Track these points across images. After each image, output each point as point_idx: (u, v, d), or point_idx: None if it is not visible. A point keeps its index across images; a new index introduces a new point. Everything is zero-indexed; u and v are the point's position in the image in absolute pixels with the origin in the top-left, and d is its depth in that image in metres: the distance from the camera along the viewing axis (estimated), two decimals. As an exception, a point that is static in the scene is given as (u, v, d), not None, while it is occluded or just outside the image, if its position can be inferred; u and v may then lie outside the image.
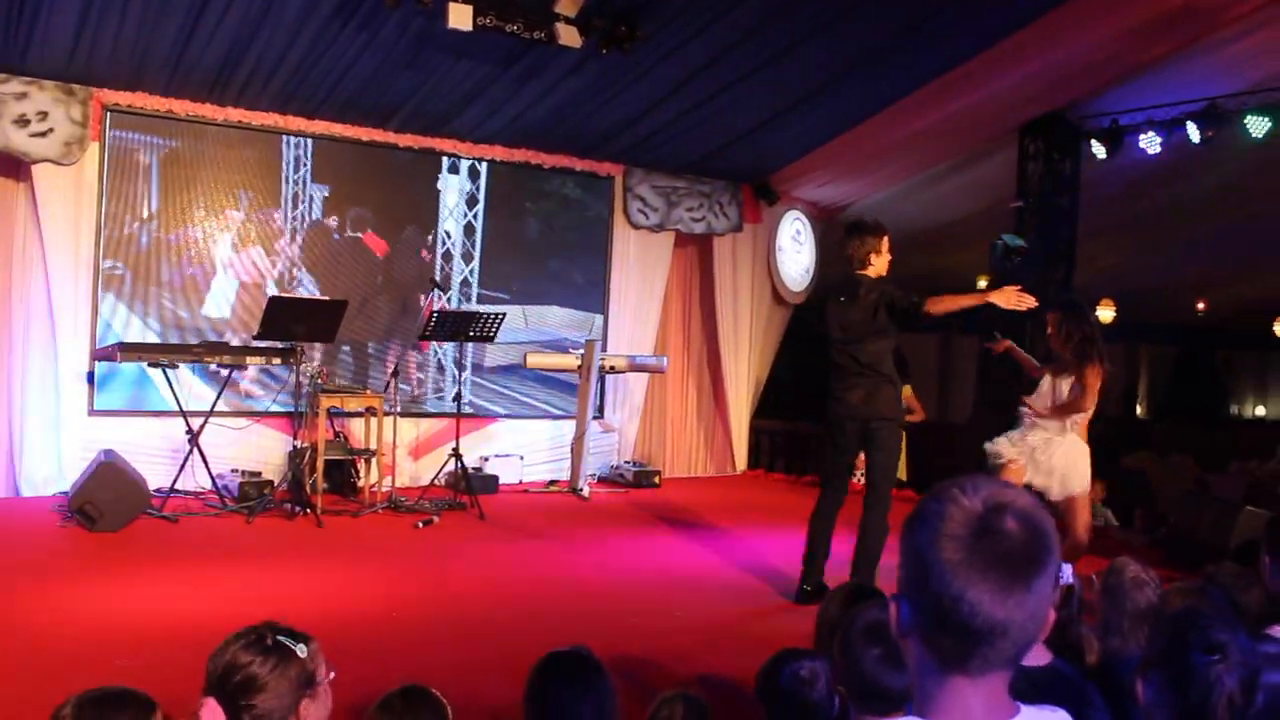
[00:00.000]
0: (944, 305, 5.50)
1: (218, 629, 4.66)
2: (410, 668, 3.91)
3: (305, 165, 8.87)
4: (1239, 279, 14.15)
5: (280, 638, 2.28)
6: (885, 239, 5.74)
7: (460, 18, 6.93)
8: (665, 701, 2.98)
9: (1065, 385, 5.73)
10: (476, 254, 9.65)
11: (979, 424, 13.05)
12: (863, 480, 7.35)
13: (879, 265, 5.72)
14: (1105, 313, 14.53)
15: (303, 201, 8.87)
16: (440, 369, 9.53)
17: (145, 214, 8.26)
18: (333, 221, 9.02)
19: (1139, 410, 18.13)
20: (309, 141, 8.81)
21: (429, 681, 2.69)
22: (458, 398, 8.44)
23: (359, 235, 9.09)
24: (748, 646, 4.93)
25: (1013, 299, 5.50)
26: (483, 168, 9.57)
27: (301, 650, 2.28)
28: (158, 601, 5.27)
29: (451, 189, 9.49)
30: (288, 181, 8.81)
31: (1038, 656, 2.57)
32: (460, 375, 9.41)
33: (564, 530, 7.67)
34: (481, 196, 9.63)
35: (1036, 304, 5.71)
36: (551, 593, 5.91)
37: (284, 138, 8.70)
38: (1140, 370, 18.38)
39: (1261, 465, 11.81)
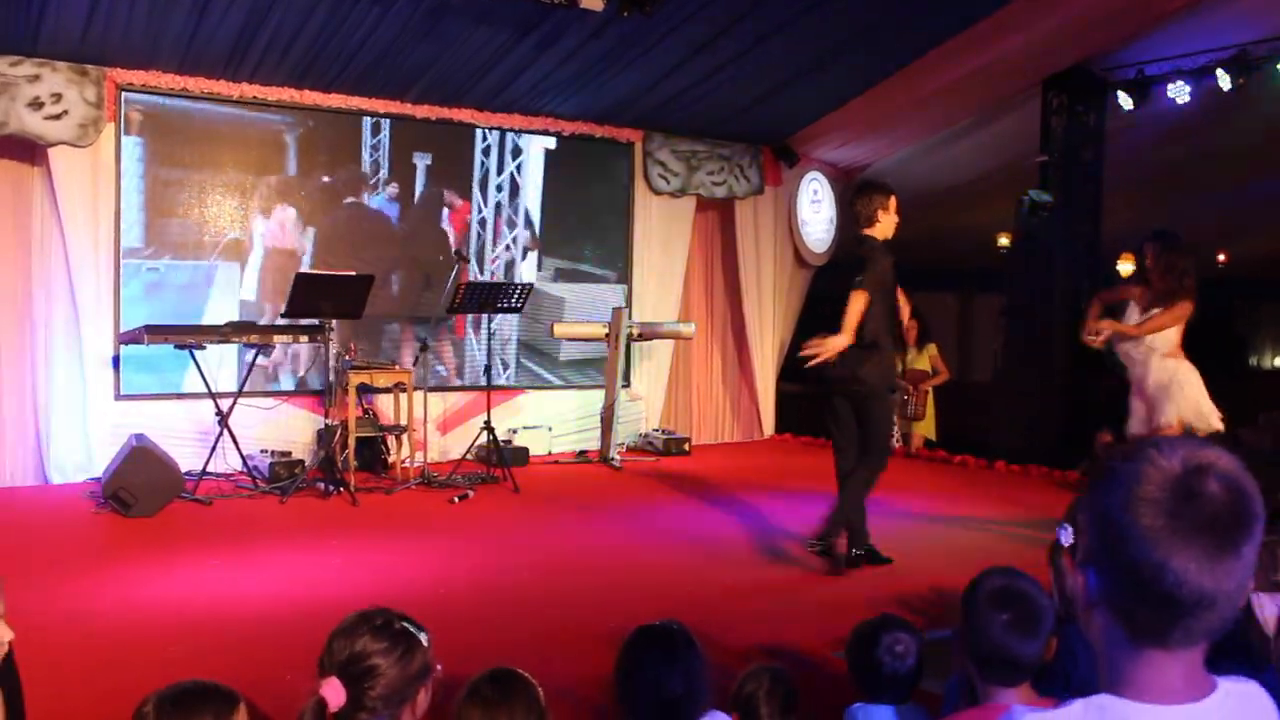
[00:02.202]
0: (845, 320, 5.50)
1: (268, 612, 4.69)
2: (470, 647, 3.85)
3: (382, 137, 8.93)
4: (1262, 230, 14.02)
5: (407, 625, 2.24)
6: (893, 199, 5.71)
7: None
8: (751, 675, 2.94)
9: (1156, 313, 5.89)
10: (526, 222, 9.63)
11: (1000, 384, 13.00)
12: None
13: (886, 224, 5.68)
14: (1125, 266, 14.41)
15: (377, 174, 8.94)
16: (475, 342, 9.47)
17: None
18: (392, 189, 9.07)
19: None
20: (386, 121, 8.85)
21: (491, 661, 2.64)
22: (488, 370, 8.35)
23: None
24: (806, 612, 4.90)
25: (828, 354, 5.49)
26: (509, 139, 9.50)
27: (424, 640, 2.25)
28: (203, 586, 5.21)
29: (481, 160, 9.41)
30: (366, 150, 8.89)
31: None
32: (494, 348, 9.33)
33: (602, 501, 7.62)
34: (510, 167, 9.55)
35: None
36: (599, 564, 5.84)
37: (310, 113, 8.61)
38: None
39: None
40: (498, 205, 9.53)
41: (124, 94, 7.93)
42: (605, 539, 6.46)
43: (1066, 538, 2.69)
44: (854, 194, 5.87)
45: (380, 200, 9.05)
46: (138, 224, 8.13)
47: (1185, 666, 1.26)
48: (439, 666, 2.33)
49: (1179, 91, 9.04)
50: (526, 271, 9.69)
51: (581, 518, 7.03)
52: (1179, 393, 5.89)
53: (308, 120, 8.69)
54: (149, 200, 8.16)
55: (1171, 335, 5.93)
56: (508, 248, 9.59)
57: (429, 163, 9.23)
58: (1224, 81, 8.67)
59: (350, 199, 8.88)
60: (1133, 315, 6.07)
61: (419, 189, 9.22)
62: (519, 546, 6.26)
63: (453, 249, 9.01)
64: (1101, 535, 1.27)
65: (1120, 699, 1.26)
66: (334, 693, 2.14)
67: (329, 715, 2.14)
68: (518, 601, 5.05)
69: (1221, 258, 15.49)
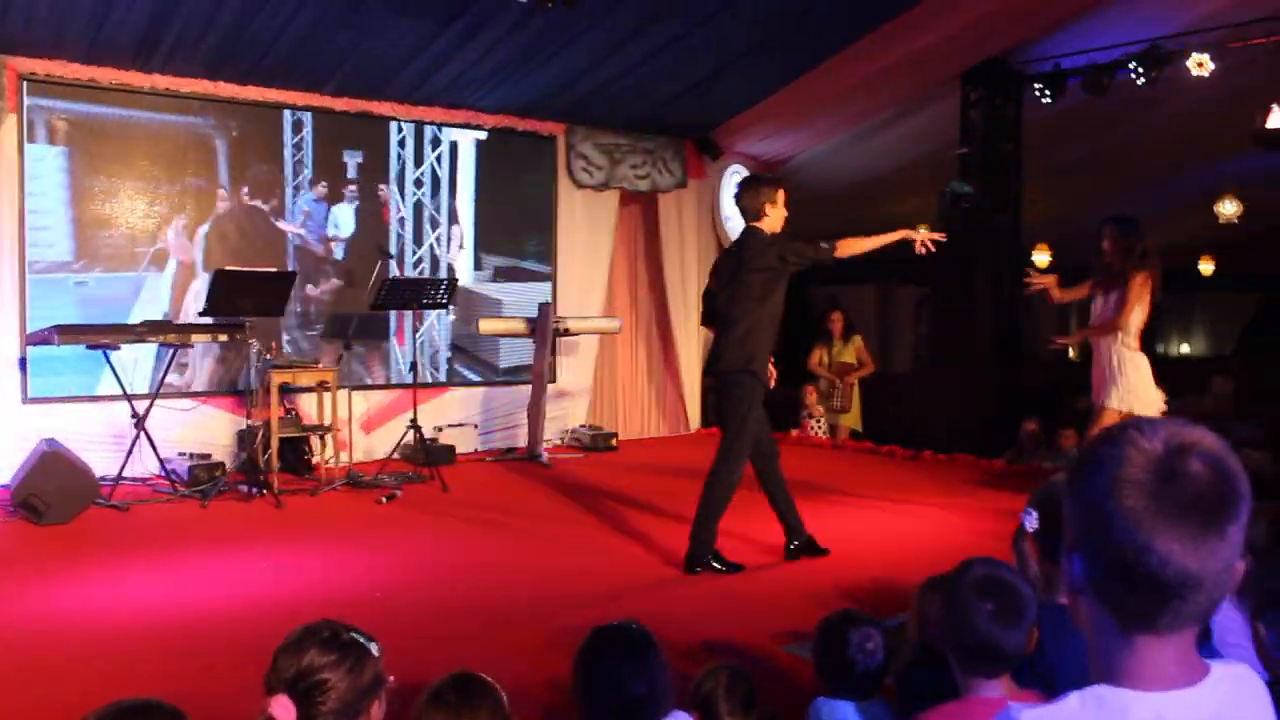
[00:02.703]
0: (854, 247, 5.57)
1: (197, 621, 4.52)
2: (410, 651, 3.74)
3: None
4: (1166, 221, 14.39)
5: (355, 636, 2.15)
6: (780, 192, 5.68)
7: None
8: (708, 674, 2.90)
9: (1115, 297, 6.07)
10: (452, 218, 9.50)
11: (923, 374, 13.18)
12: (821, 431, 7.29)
13: (774, 218, 5.64)
14: (1041, 256, 14.71)
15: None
16: (397, 339, 9.28)
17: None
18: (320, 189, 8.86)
19: (1072, 354, 18.46)
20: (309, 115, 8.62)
21: (434, 666, 2.56)
22: (414, 367, 8.20)
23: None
24: (744, 608, 4.88)
25: (922, 237, 5.67)
26: (428, 131, 9.33)
27: (375, 650, 2.16)
28: (126, 595, 5.01)
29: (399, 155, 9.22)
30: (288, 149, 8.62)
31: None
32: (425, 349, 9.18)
33: (533, 499, 7.52)
34: (430, 159, 9.38)
35: (944, 239, 5.84)
36: (534, 563, 5.75)
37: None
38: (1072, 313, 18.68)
39: (1200, 401, 12.07)
40: (418, 202, 9.35)
41: (42, 101, 7.61)
42: (539, 538, 6.36)
43: (1031, 523, 2.69)
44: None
45: (308, 200, 8.83)
46: (67, 236, 7.86)
47: (1177, 651, 1.25)
48: (391, 677, 2.25)
49: (1093, 84, 9.19)
50: (462, 271, 9.55)
51: (513, 517, 6.92)
52: (1125, 381, 6.05)
53: (230, 122, 8.44)
54: (76, 212, 7.88)
55: (1135, 321, 6.05)
56: (432, 246, 9.43)
57: (360, 160, 9.05)
58: (1137, 75, 8.84)
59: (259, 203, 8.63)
60: (1097, 303, 6.19)
61: (351, 188, 9.05)
62: (451, 547, 6.15)
63: (376, 246, 8.82)
64: (1085, 520, 1.26)
65: (1117, 689, 1.24)
66: (284, 711, 2.05)
67: None
68: (456, 604, 4.94)
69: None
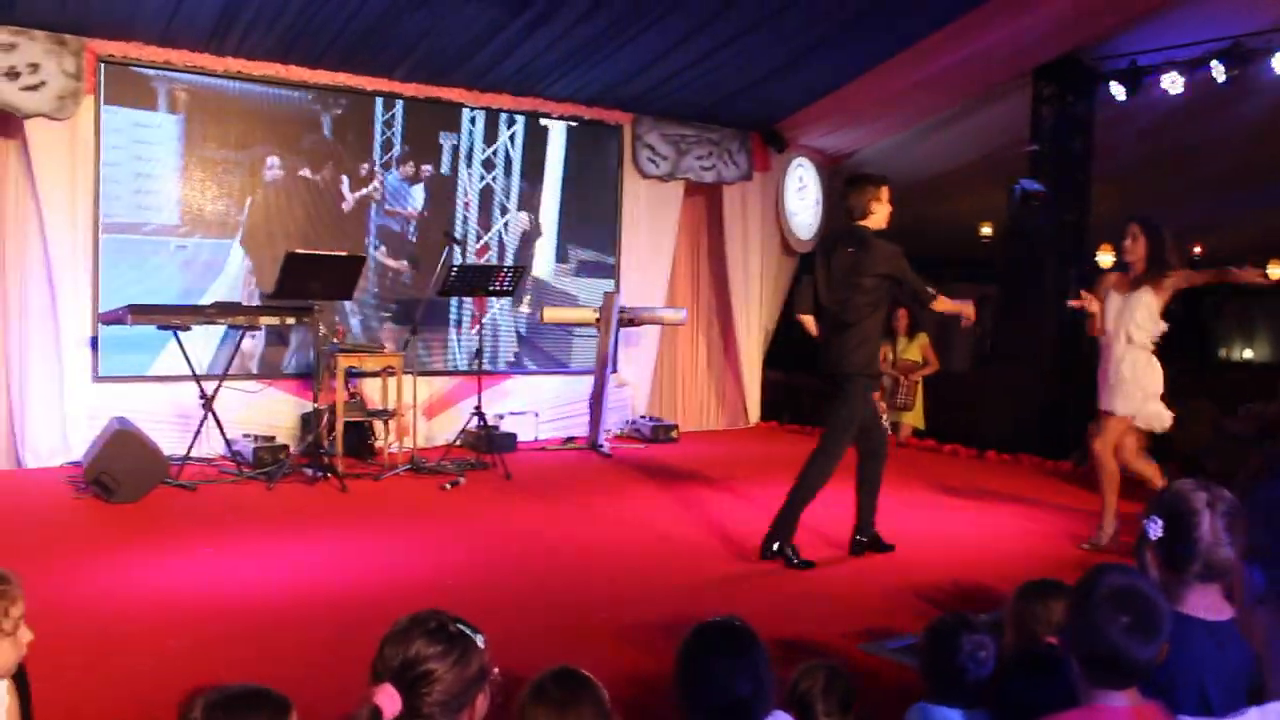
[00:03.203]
0: (943, 305, 5.68)
1: (270, 603, 4.52)
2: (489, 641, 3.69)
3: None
4: (1237, 223, 14.09)
5: (462, 628, 2.11)
6: (885, 189, 5.64)
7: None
8: (805, 672, 2.82)
9: (1147, 296, 5.83)
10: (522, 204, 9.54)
11: (986, 373, 12.97)
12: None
13: (879, 215, 5.61)
14: (1105, 257, 14.45)
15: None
16: (458, 326, 9.28)
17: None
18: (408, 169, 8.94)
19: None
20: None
21: (510, 655, 2.51)
22: (479, 354, 8.19)
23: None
24: (816, 606, 4.80)
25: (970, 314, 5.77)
26: (500, 119, 9.34)
27: (480, 642, 2.12)
28: (195, 575, 5.03)
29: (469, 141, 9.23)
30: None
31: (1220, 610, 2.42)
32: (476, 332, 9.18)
33: (596, 489, 7.48)
34: (502, 148, 9.39)
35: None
36: (603, 555, 5.69)
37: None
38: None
39: (1267, 406, 11.77)
40: (486, 187, 9.34)
41: (103, 65, 7.67)
42: (604, 528, 6.32)
43: (1155, 531, 2.60)
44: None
45: (394, 180, 8.89)
46: (174, 202, 8.06)
47: None
48: (495, 670, 2.21)
49: (1172, 82, 8.98)
50: (543, 261, 9.58)
51: (578, 506, 6.88)
52: (1136, 390, 5.86)
53: (329, 100, 8.59)
54: (183, 178, 8.09)
55: (1150, 325, 5.88)
56: (500, 232, 9.42)
57: (455, 143, 9.12)
58: (1218, 73, 8.63)
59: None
60: (1113, 303, 5.99)
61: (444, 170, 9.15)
62: (519, 535, 6.10)
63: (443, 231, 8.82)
64: (1267, 529, 1.18)
65: None
66: (389, 700, 2.01)
67: None
68: (527, 592, 4.91)
69: (1198, 249, 15.55)
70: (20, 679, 2.58)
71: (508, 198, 9.46)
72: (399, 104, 8.85)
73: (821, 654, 3.96)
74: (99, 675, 3.68)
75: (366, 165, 8.78)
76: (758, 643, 2.53)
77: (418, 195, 9.04)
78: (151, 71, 7.87)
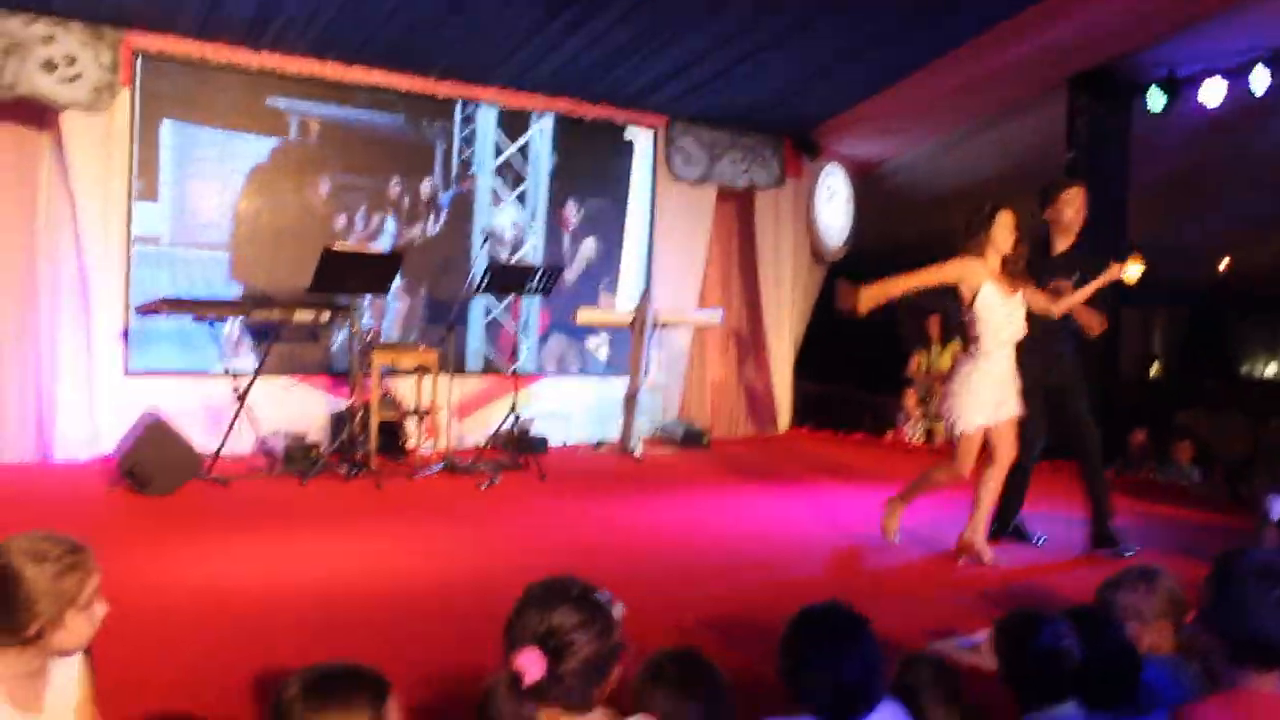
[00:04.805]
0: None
1: (320, 594, 4.41)
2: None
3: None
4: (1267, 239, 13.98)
5: (600, 597, 2.02)
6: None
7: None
8: (911, 664, 2.73)
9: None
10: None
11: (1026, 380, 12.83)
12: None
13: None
14: (1135, 269, 14.31)
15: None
16: (488, 327, 9.21)
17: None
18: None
19: (1153, 371, 18.02)
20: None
21: None
22: (514, 355, 8.10)
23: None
24: (890, 603, 4.69)
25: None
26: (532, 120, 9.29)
27: (619, 612, 2.03)
28: (237, 569, 4.91)
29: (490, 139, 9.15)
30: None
31: None
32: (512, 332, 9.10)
33: (633, 491, 7.37)
34: (532, 148, 9.33)
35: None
36: (653, 554, 5.56)
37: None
38: (1154, 331, 18.24)
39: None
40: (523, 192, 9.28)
41: (139, 58, 7.60)
42: (650, 530, 6.21)
43: (1278, 511, 2.51)
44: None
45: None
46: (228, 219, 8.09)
47: None
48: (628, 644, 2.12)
49: (1211, 93, 8.88)
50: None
51: (618, 508, 6.77)
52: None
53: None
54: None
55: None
56: (528, 231, 9.37)
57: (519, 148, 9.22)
58: (1259, 83, 8.51)
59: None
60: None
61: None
62: (561, 533, 6.00)
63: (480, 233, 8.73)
64: None
65: None
66: (533, 664, 1.92)
67: (522, 690, 1.91)
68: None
69: (1224, 264, 15.43)
70: (86, 653, 2.50)
71: (536, 197, 9.37)
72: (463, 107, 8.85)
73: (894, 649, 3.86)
74: (159, 657, 3.58)
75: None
76: (866, 627, 2.44)
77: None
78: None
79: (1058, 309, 5.48)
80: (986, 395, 5.32)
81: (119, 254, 7.58)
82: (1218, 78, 8.76)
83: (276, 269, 7.99)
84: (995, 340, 5.29)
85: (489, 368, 9.10)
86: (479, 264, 7.99)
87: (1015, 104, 10.03)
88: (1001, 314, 5.28)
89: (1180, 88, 9.16)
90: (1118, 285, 5.73)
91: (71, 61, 7.22)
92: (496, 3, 7.50)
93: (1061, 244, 5.83)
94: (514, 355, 8.18)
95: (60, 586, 2.22)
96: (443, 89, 8.72)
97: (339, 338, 8.20)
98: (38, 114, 7.37)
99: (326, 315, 7.46)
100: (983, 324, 5.28)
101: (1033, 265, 5.49)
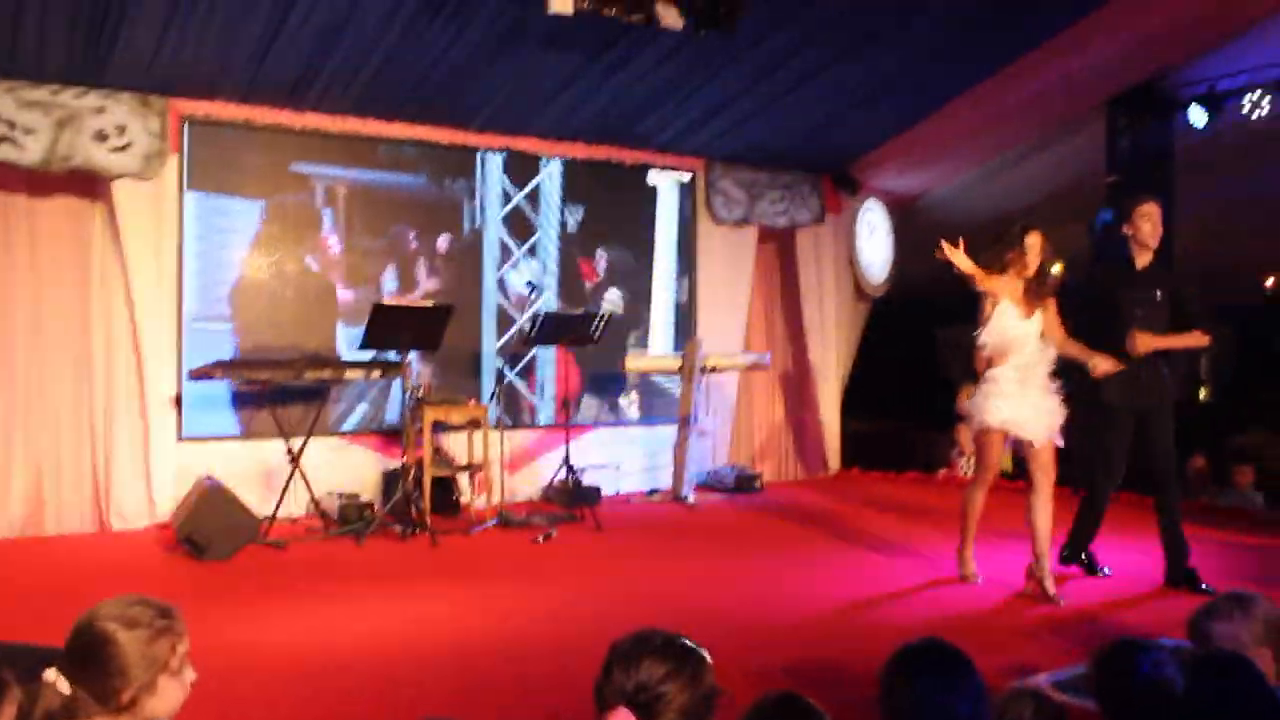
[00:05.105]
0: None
1: (385, 656, 4.36)
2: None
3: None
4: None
5: (687, 644, 1.96)
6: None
7: (563, 2, 6.58)
8: (1013, 699, 2.62)
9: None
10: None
11: (1072, 411, 12.64)
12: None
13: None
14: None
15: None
16: (534, 377, 9.17)
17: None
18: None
19: (1203, 395, 17.72)
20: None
21: None
22: (565, 405, 8.06)
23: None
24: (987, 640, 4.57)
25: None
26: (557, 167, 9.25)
27: (707, 658, 1.96)
28: (301, 632, 4.88)
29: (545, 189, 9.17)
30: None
31: None
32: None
33: (690, 539, 7.30)
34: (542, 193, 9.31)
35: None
36: (720, 602, 5.47)
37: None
38: (1200, 355, 17.97)
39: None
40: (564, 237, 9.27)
41: (187, 124, 7.69)
42: (714, 577, 6.12)
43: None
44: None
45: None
46: None
47: None
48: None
49: (1255, 106, 8.78)
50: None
51: (673, 558, 6.68)
52: None
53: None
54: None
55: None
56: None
57: (580, 217, 9.19)
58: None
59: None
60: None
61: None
62: (627, 586, 5.92)
63: (526, 282, 8.72)
64: None
65: None
66: None
67: None
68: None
69: (1270, 282, 15.21)
70: (172, 720, 2.45)
71: (581, 245, 9.36)
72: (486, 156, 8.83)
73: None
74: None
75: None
76: (970, 662, 2.36)
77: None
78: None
79: (1136, 350, 5.55)
80: (1004, 402, 5.43)
81: (170, 318, 7.61)
82: (1256, 95, 8.65)
83: (283, 332, 7.99)
84: (1001, 357, 5.48)
85: (542, 421, 9.04)
86: (532, 313, 7.94)
87: (1053, 129, 9.96)
88: (1013, 334, 5.44)
89: (1222, 102, 9.06)
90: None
91: (122, 131, 7.30)
92: (536, 48, 7.53)
93: (1142, 260, 5.83)
94: (565, 407, 8.12)
95: (153, 652, 2.19)
96: (483, 141, 8.75)
97: (384, 395, 8.17)
98: (89, 183, 7.44)
99: (378, 373, 7.46)
100: (994, 340, 5.50)
101: (1114, 279, 5.63)
